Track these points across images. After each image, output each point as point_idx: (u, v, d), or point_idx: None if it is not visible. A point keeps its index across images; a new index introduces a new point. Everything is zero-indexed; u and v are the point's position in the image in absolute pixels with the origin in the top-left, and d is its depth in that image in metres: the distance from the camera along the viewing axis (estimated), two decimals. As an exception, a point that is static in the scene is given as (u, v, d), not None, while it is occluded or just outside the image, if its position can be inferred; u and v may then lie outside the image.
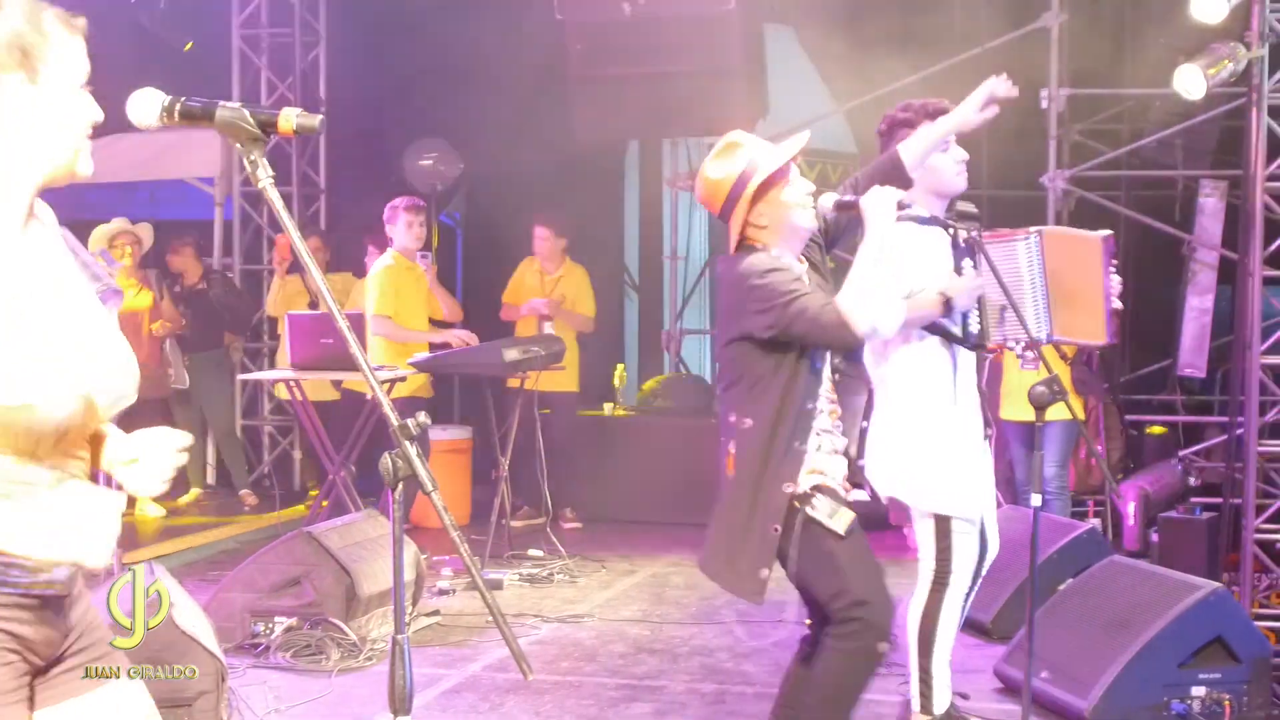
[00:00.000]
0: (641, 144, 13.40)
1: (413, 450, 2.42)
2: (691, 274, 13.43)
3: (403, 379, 9.00)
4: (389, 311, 9.31)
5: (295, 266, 11.34)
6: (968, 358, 5.49)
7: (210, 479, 12.06)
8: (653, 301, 13.35)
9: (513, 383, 9.72)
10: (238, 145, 2.58)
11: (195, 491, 11.49)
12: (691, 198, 13.08)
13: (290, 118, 2.55)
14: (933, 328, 5.34)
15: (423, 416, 2.46)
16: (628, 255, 13.86)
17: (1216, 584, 6.09)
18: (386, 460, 2.43)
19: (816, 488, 4.52)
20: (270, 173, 2.56)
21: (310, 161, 12.76)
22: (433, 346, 9.40)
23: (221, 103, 2.60)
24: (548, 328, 10.47)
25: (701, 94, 10.85)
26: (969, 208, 5.48)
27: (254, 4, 12.68)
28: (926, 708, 5.49)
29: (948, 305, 5.26)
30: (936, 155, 5.25)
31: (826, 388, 4.66)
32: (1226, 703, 5.86)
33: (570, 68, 11.14)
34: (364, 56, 12.50)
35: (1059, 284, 5.44)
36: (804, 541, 4.48)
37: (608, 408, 11.62)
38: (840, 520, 4.46)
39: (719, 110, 10.90)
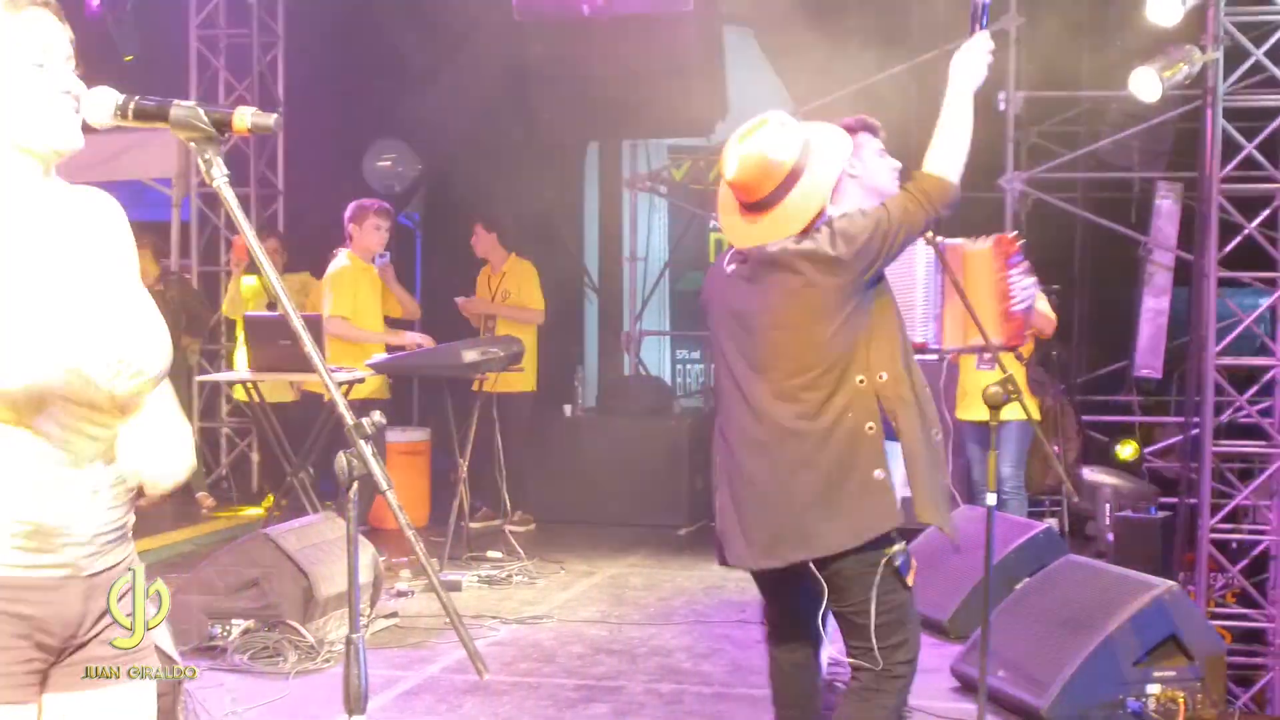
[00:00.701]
0: (601, 145, 13.40)
1: (368, 449, 2.41)
2: (651, 275, 13.44)
3: (360, 380, 8.97)
4: (345, 312, 9.27)
5: (253, 267, 11.29)
6: None
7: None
8: (612, 302, 13.35)
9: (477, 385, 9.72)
10: (192, 144, 2.57)
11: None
12: (651, 199, 13.12)
13: (245, 116, 2.54)
14: None
15: (377, 416, 2.45)
16: (587, 256, 13.87)
17: (1171, 583, 6.13)
18: (341, 459, 2.42)
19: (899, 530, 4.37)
20: (225, 172, 2.55)
21: (268, 162, 12.72)
22: (390, 348, 9.38)
23: (176, 101, 2.59)
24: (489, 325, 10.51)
25: (661, 95, 10.85)
26: None
27: (211, 5, 12.64)
28: None
29: None
30: (875, 160, 5.32)
31: None
32: (1181, 701, 5.90)
33: (529, 68, 11.13)
34: (322, 57, 12.46)
35: (963, 295, 5.48)
36: (885, 589, 4.31)
37: (567, 409, 11.62)
38: (913, 573, 4.36)
39: (678, 111, 10.94)
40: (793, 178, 4.34)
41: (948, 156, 4.41)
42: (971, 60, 4.58)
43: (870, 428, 4.29)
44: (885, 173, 5.32)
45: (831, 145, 4.45)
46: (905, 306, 5.40)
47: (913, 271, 5.49)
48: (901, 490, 5.02)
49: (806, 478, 4.34)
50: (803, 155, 4.35)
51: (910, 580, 4.34)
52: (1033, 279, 5.60)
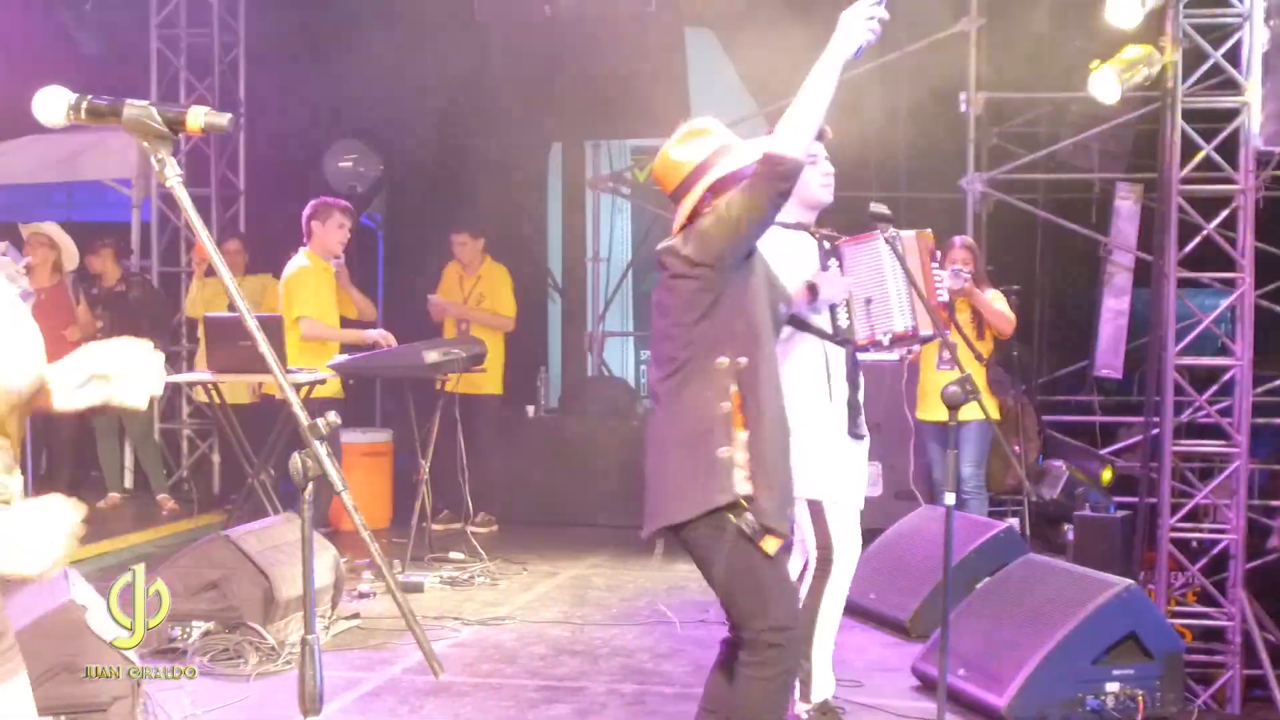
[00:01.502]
0: (564, 146, 13.38)
1: (323, 450, 2.41)
2: (614, 276, 13.44)
3: (322, 381, 8.93)
4: (311, 312, 9.20)
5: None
6: (839, 355, 5.60)
7: (128, 483, 11.92)
8: (576, 303, 13.34)
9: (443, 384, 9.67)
10: (145, 144, 2.55)
11: (113, 496, 11.36)
12: (614, 200, 13.12)
13: (198, 116, 2.53)
14: (805, 327, 5.51)
15: (332, 416, 2.45)
16: (551, 258, 13.84)
17: (1130, 581, 6.17)
18: (296, 460, 2.42)
19: (749, 498, 4.33)
20: (179, 171, 2.54)
21: (229, 163, 12.65)
22: (350, 348, 9.33)
23: (129, 100, 2.58)
24: (462, 328, 10.47)
25: (623, 96, 10.88)
26: (882, 209, 5.59)
27: (172, 4, 12.57)
28: (805, 695, 5.58)
29: (813, 291, 5.45)
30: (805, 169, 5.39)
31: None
32: (1139, 699, 5.94)
33: (491, 69, 11.12)
34: (283, 57, 12.41)
35: (916, 285, 5.62)
36: (733, 552, 4.33)
37: (530, 410, 11.60)
38: (771, 542, 4.32)
39: (640, 112, 10.95)
40: (692, 179, 4.47)
41: (791, 130, 4.31)
42: (851, 22, 4.44)
43: (724, 407, 4.36)
44: (813, 182, 5.46)
45: (736, 154, 4.50)
46: (879, 299, 5.50)
47: (879, 266, 5.60)
48: (872, 490, 5.05)
49: (668, 452, 4.47)
50: (710, 159, 4.46)
51: (768, 549, 4.31)
52: (945, 273, 5.78)
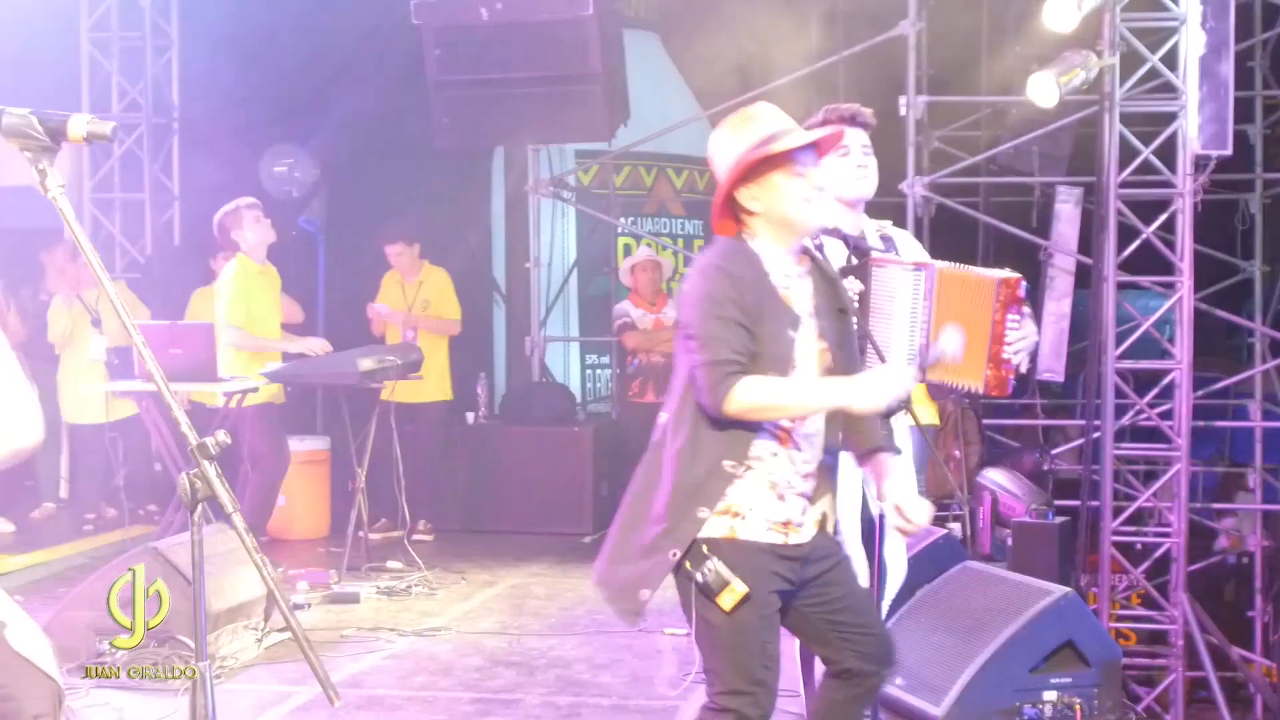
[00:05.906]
0: (505, 150, 13.30)
1: (212, 470, 2.32)
2: (555, 281, 13.35)
3: (254, 390, 8.81)
4: (238, 320, 9.06)
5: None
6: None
7: (63, 493, 11.75)
8: (520, 309, 13.25)
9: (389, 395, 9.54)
10: (27, 154, 2.46)
11: (47, 505, 11.19)
12: (556, 204, 13.06)
13: (80, 124, 2.45)
14: None
15: (222, 435, 2.37)
16: (495, 263, 13.75)
17: (1067, 589, 6.14)
18: (184, 481, 2.33)
19: (714, 545, 3.99)
20: (60, 181, 2.46)
21: (163, 167, 12.48)
22: (286, 355, 9.20)
23: (8, 109, 2.48)
24: (409, 335, 10.36)
25: (563, 100, 10.80)
26: None
27: (103, 6, 12.39)
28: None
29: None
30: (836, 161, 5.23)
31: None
32: (1077, 707, 5.91)
33: (429, 73, 11.02)
34: (218, 61, 12.25)
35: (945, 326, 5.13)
36: (698, 604, 3.99)
37: (470, 416, 11.50)
38: (728, 596, 3.94)
39: (581, 116, 10.87)
40: (734, 163, 4.10)
41: (753, 401, 3.94)
42: (884, 386, 4.01)
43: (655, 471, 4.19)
44: (844, 176, 5.30)
45: (773, 138, 4.08)
46: (884, 335, 5.00)
47: (893, 297, 5.11)
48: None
49: None
50: (751, 147, 4.07)
51: (725, 605, 3.97)
52: (1031, 332, 5.00)
